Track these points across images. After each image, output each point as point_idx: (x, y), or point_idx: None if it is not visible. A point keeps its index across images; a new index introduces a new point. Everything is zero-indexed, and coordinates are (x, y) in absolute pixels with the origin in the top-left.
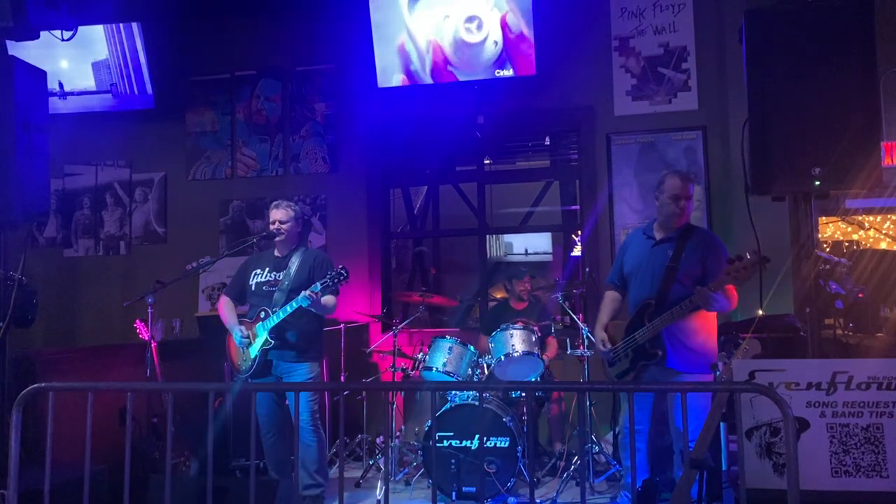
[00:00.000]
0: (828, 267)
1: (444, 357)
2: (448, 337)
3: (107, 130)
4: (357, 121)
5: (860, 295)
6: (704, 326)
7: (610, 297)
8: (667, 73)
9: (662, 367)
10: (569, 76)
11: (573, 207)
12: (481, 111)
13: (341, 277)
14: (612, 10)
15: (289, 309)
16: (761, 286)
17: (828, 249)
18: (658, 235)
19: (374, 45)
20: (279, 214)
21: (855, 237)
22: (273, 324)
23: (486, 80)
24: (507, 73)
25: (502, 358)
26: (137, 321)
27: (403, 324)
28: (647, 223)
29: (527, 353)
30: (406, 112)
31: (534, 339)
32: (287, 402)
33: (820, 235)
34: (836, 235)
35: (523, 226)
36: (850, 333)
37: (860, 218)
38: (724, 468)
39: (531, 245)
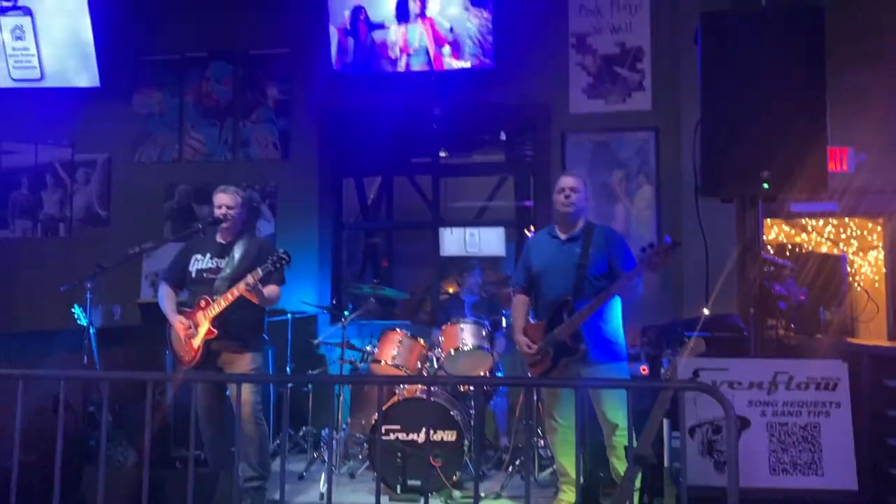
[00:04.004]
0: (773, 269)
1: (393, 350)
2: (398, 330)
3: (48, 108)
4: (310, 107)
5: (802, 298)
6: (613, 316)
7: (521, 301)
8: (622, 73)
9: (585, 361)
10: (526, 71)
11: (527, 203)
12: (438, 103)
13: (283, 262)
14: (571, 6)
15: (230, 298)
16: (707, 286)
17: (773, 252)
18: (563, 235)
19: (329, 30)
20: (225, 199)
21: (798, 240)
22: (215, 313)
23: (443, 70)
24: (465, 64)
25: (452, 351)
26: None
27: (353, 315)
28: (550, 226)
29: (476, 348)
30: (361, 100)
31: (484, 334)
32: (228, 394)
33: (764, 237)
34: (779, 238)
35: (477, 220)
36: (792, 334)
37: (803, 221)
38: (666, 465)
39: (483, 240)
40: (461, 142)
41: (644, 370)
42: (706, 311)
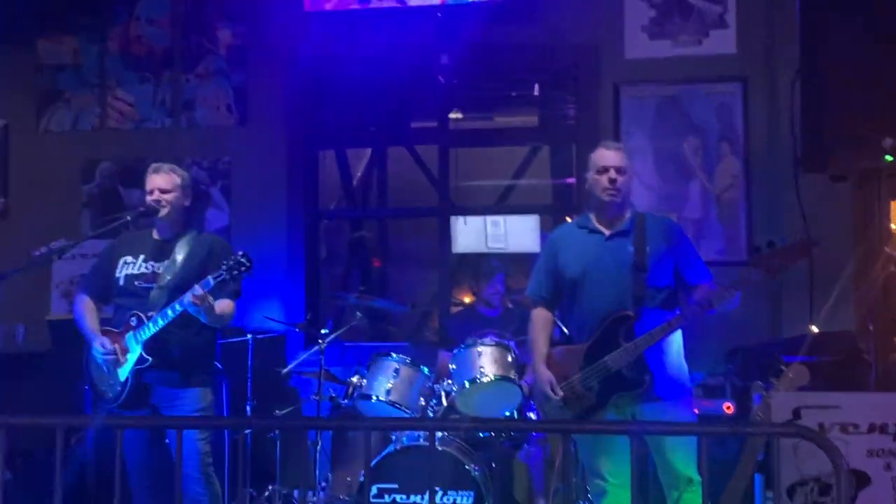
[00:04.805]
0: None
1: (387, 382)
2: (394, 355)
3: None
4: (276, 57)
5: None
6: (675, 339)
7: (543, 319)
8: (697, 3)
9: (648, 398)
10: (564, 4)
11: (569, 181)
12: (446, 48)
13: (242, 268)
14: None
15: (170, 314)
16: (812, 294)
17: None
18: (605, 229)
19: None
20: (160, 181)
21: None
22: (149, 334)
23: (452, 4)
24: None
25: (467, 384)
26: None
27: (334, 335)
28: (583, 216)
29: (500, 379)
30: (344, 45)
31: (510, 360)
32: (167, 442)
33: (893, 225)
34: None
35: (501, 205)
36: None
37: None
38: None
39: (510, 232)
40: (479, 99)
41: (728, 407)
42: (813, 328)
